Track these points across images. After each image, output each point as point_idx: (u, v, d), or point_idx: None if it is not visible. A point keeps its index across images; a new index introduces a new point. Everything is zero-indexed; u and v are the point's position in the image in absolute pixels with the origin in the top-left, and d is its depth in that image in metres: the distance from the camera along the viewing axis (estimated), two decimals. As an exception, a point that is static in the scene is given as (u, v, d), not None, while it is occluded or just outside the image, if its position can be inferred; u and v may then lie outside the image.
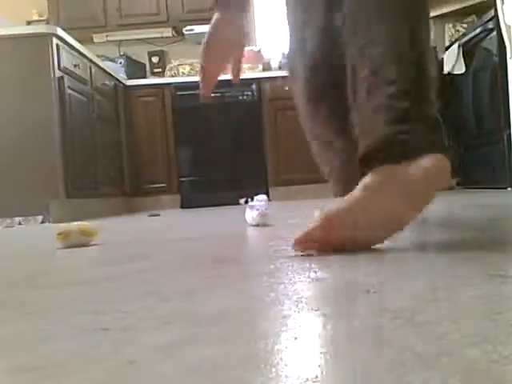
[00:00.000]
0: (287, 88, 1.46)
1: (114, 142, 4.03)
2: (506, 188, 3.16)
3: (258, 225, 1.60)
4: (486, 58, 3.33)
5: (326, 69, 1.04)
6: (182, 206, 4.35)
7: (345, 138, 1.05)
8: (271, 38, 4.90)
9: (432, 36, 3.76)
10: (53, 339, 0.50)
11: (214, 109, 4.19)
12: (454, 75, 3.75)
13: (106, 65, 4.00)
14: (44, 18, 4.66)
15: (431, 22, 3.86)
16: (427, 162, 0.82)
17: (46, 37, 2.97)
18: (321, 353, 0.40)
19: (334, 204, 0.87)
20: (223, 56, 1.21)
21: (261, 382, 0.35)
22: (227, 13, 1.18)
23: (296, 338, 0.45)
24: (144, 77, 4.72)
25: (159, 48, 4.84)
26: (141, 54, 4.84)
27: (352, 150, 0.94)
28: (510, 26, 2.89)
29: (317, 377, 0.35)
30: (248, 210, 1.66)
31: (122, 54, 4.74)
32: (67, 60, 3.14)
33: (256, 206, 1.63)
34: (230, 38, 1.19)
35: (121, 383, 0.37)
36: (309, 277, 0.73)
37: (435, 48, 3.72)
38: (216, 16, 1.19)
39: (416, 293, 0.58)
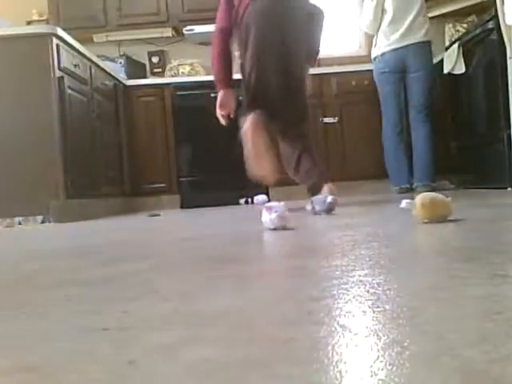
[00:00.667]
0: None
1: (114, 142, 4.03)
2: (506, 188, 3.16)
3: (275, 228, 1.49)
4: (486, 58, 3.33)
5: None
6: (182, 206, 4.35)
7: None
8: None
9: (432, 36, 3.76)
10: (53, 339, 0.50)
11: (213, 109, 4.17)
12: (454, 75, 3.75)
13: (106, 65, 4.00)
14: (44, 18, 4.66)
15: (431, 22, 3.86)
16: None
17: (46, 37, 2.97)
18: (321, 353, 0.40)
19: None
20: (226, 109, 2.61)
21: (261, 382, 0.35)
22: (227, 90, 2.56)
23: (296, 338, 0.45)
24: (144, 77, 4.72)
25: (159, 48, 4.84)
26: (141, 54, 4.83)
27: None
28: (510, 26, 2.89)
29: (317, 377, 0.35)
30: (265, 212, 1.53)
31: (122, 54, 4.73)
32: (67, 60, 3.14)
33: (274, 208, 1.50)
34: (229, 102, 2.59)
35: (121, 383, 0.37)
36: (309, 277, 0.73)
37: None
38: (222, 91, 2.56)
39: (416, 293, 0.58)
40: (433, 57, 3.79)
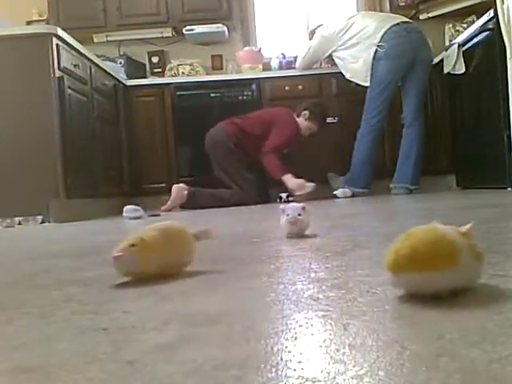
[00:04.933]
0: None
1: (114, 142, 4.02)
2: (506, 188, 3.16)
3: (290, 236, 1.27)
4: (486, 58, 3.33)
5: None
6: (182, 206, 4.34)
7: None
8: (271, 38, 4.90)
9: (432, 36, 3.75)
10: (53, 339, 0.50)
11: (214, 109, 4.19)
12: (454, 75, 3.75)
13: (106, 65, 3.99)
14: (44, 18, 4.65)
15: (431, 22, 3.84)
16: None
17: (46, 37, 2.97)
18: (321, 353, 0.40)
19: None
20: None
21: (261, 382, 0.35)
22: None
23: (296, 338, 0.45)
24: (144, 77, 4.71)
25: (159, 48, 4.84)
26: (141, 54, 4.83)
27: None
28: (510, 26, 2.89)
29: (316, 377, 0.35)
30: (282, 215, 1.27)
31: (122, 53, 4.73)
32: (67, 60, 3.14)
33: (287, 210, 1.24)
34: None
35: (121, 383, 0.37)
36: (309, 277, 0.73)
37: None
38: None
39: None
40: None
